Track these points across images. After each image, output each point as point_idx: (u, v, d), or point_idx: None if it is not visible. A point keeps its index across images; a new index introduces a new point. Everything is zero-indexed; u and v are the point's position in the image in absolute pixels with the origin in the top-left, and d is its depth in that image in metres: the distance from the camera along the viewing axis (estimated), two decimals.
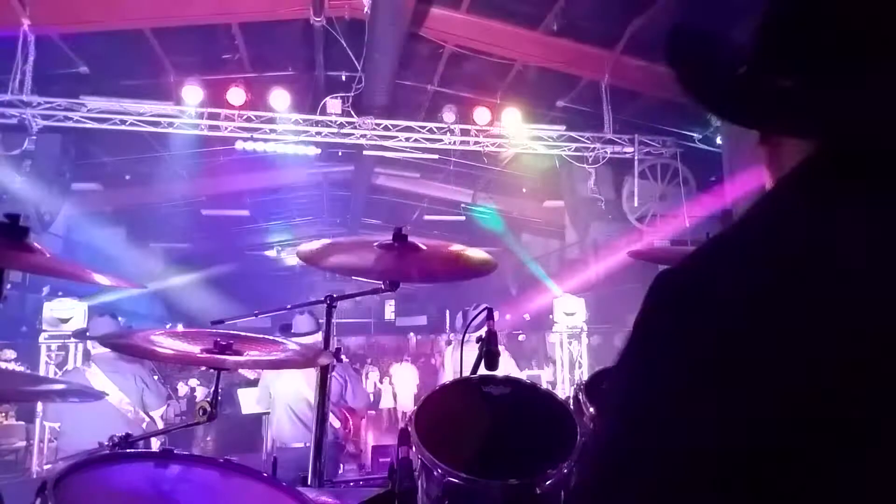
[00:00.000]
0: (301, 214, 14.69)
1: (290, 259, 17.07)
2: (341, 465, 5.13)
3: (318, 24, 7.12)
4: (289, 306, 2.70)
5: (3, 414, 7.98)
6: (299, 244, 2.26)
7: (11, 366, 7.63)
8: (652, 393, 0.60)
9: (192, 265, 14.80)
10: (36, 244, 1.58)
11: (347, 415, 4.73)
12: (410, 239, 2.11)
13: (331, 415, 4.59)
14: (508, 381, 1.91)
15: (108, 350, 4.43)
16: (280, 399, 4.72)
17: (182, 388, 8.53)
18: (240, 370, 5.55)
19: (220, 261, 16.02)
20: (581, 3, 6.82)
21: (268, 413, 5.22)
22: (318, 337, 4.35)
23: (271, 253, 17.78)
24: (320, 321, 4.70)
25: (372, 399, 12.98)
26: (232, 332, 1.95)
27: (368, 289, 2.38)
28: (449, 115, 8.51)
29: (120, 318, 4.99)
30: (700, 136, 8.76)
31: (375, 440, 10.11)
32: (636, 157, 8.75)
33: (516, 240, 14.06)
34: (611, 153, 8.79)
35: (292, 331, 4.67)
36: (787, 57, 0.68)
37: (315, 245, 2.22)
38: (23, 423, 7.83)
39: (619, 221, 9.30)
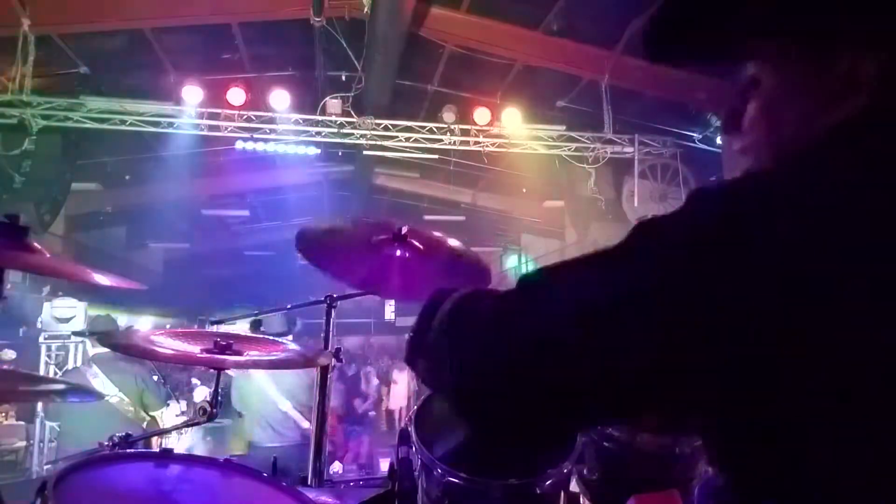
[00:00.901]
0: (301, 214, 14.69)
1: None
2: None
3: (318, 24, 7.12)
4: (289, 306, 2.69)
5: (3, 414, 7.98)
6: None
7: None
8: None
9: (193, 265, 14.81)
10: (36, 244, 1.58)
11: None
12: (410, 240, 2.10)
13: (300, 416, 4.57)
14: None
15: (107, 350, 4.43)
16: (248, 402, 4.68)
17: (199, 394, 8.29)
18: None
19: (220, 260, 16.04)
20: (581, 3, 6.81)
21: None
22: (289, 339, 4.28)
23: None
24: (295, 323, 4.65)
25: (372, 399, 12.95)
26: (232, 332, 1.95)
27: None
28: (449, 115, 8.50)
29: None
30: (700, 136, 8.76)
31: (375, 441, 10.12)
32: (636, 157, 8.75)
33: None
34: (611, 153, 8.78)
35: (262, 329, 4.62)
36: None
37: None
38: (23, 423, 7.83)
39: (619, 221, 9.28)
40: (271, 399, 4.52)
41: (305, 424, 4.53)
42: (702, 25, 0.72)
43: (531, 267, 8.70)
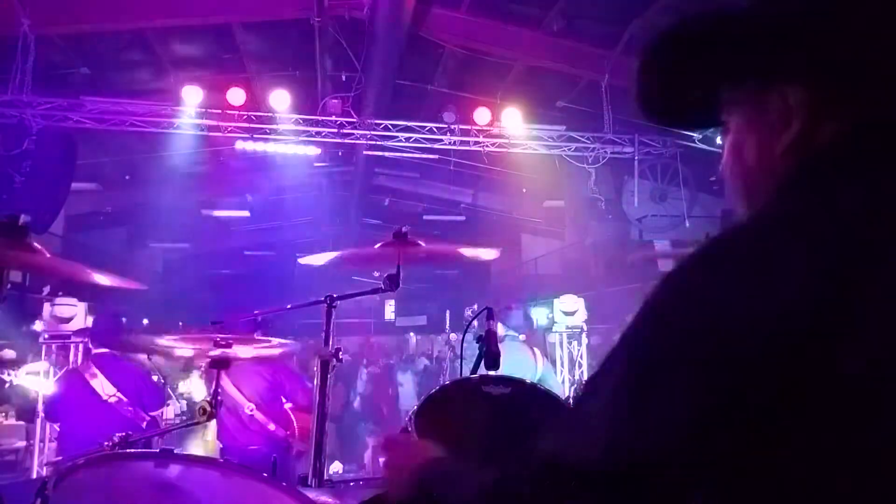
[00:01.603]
0: (301, 214, 14.70)
1: None
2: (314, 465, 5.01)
3: (318, 24, 7.13)
4: (289, 306, 2.68)
5: (3, 414, 7.98)
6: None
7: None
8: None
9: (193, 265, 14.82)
10: (36, 244, 1.58)
11: (292, 415, 4.55)
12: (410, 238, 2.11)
13: (264, 418, 4.52)
14: (508, 381, 1.91)
15: (107, 350, 4.43)
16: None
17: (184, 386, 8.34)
18: None
19: (220, 260, 16.04)
20: (581, 3, 6.83)
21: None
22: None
23: None
24: (258, 321, 4.58)
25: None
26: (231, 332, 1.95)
27: (368, 289, 2.38)
28: (449, 115, 8.50)
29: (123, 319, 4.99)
30: (700, 136, 8.75)
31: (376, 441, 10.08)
32: (636, 157, 8.74)
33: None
34: (611, 153, 8.77)
35: None
36: None
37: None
38: (23, 423, 7.82)
39: (619, 221, 9.29)
40: (236, 401, 4.46)
41: (272, 427, 4.47)
42: (681, 80, 0.76)
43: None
